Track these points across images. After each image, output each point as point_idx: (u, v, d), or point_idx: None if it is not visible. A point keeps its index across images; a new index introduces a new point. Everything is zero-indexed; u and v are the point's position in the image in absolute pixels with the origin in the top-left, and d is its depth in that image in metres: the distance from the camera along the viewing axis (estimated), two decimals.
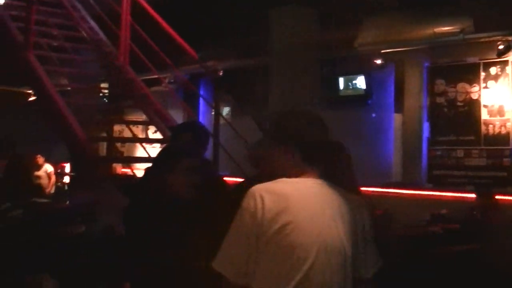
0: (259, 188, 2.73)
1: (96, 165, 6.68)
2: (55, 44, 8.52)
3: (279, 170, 2.85)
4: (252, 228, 2.67)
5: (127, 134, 11.81)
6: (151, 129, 11.22)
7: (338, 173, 3.83)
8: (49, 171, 13.56)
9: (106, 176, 6.63)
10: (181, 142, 4.78)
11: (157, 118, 7.69)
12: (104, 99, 10.32)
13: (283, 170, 2.84)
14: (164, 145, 5.04)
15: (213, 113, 11.30)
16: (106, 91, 9.11)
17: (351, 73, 10.99)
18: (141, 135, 9.23)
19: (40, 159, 13.59)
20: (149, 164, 7.59)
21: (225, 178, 4.94)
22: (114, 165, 10.17)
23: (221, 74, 10.23)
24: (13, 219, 5.36)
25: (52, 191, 13.21)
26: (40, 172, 13.38)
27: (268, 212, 2.65)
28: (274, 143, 2.88)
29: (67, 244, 6.43)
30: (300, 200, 2.70)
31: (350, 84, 10.98)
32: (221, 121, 7.74)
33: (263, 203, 2.66)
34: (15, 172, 6.50)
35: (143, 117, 10.94)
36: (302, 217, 2.66)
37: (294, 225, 2.64)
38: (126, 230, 4.19)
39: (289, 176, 2.79)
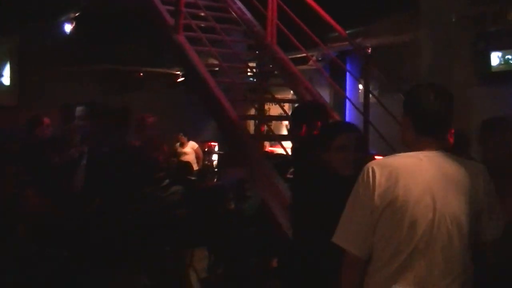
0: (372, 163, 2.84)
1: (247, 143, 6.72)
2: (202, 25, 8.65)
3: (404, 142, 2.93)
4: (366, 202, 2.77)
5: (273, 112, 11.90)
6: None
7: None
8: (194, 148, 13.90)
9: (257, 154, 6.66)
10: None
11: (307, 96, 7.66)
12: (252, 78, 10.44)
13: (406, 142, 2.92)
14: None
15: (360, 90, 11.18)
16: (254, 70, 9.18)
17: (505, 48, 10.49)
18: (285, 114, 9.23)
19: (183, 138, 13.95)
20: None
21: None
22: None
23: (369, 51, 10.07)
24: (174, 194, 5.52)
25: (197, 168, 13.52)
26: (185, 149, 13.74)
27: (379, 186, 2.73)
28: (403, 115, 2.94)
29: (222, 220, 6.59)
30: (410, 174, 2.73)
31: (504, 59, 10.49)
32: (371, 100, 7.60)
33: (374, 178, 2.75)
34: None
35: (289, 96, 11.01)
36: (411, 191, 2.70)
37: (404, 199, 2.69)
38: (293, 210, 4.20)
39: (410, 148, 2.85)
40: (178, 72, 16.15)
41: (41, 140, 7.24)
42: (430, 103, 2.83)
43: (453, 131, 2.86)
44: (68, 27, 14.14)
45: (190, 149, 13.94)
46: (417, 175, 2.73)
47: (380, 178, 2.75)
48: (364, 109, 7.16)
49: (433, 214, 2.67)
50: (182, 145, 14.00)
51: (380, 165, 2.81)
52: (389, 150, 6.51)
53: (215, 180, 12.55)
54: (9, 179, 5.62)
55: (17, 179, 5.78)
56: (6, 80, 16.04)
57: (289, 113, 9.47)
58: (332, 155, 3.73)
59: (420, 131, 2.84)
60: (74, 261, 4.47)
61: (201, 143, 15.93)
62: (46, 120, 7.87)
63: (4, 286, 4.11)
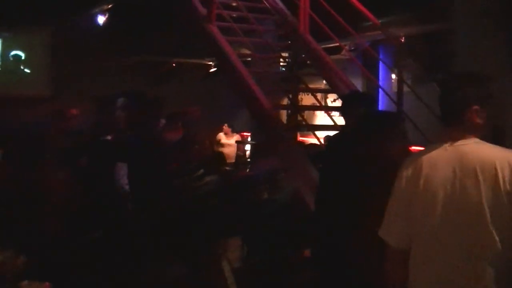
0: (408, 157, 3.00)
1: (281, 132, 6.72)
2: (233, 15, 8.65)
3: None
4: (398, 194, 2.92)
5: (305, 102, 11.88)
6: (330, 97, 11.22)
7: None
8: (235, 140, 13.99)
9: (291, 143, 6.66)
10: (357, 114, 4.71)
11: (341, 86, 7.63)
12: (284, 68, 10.43)
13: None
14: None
15: (393, 80, 11.11)
16: (287, 60, 9.17)
17: None
18: (318, 104, 9.22)
19: (227, 129, 14.02)
20: (329, 133, 7.60)
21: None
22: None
23: (403, 40, 10.00)
24: (208, 184, 5.55)
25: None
26: (230, 141, 13.82)
27: (406, 178, 2.89)
28: None
29: (255, 210, 6.60)
30: (432, 165, 2.81)
31: None
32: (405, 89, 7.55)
33: (404, 170, 2.91)
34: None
35: (321, 86, 10.98)
36: (431, 182, 2.78)
37: (425, 189, 2.79)
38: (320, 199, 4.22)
39: (441, 139, 2.87)
40: (211, 63, 16.21)
41: (67, 132, 7.30)
42: (446, 93, 2.90)
43: (475, 108, 2.81)
44: (101, 19, 14.24)
45: (233, 141, 14.02)
46: (438, 166, 2.78)
47: (407, 171, 2.89)
48: (398, 99, 7.13)
49: (450, 203, 2.71)
50: (226, 135, 14.08)
51: (411, 157, 2.95)
52: (423, 140, 6.49)
53: (248, 170, 12.57)
54: (45, 167, 5.72)
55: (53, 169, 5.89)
56: (42, 72, 16.21)
57: (322, 103, 9.50)
58: (395, 144, 3.76)
59: (443, 122, 2.91)
60: (110, 249, 4.53)
61: (235, 134, 16.00)
62: (74, 111, 7.93)
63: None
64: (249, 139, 14.47)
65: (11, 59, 16.05)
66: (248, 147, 14.23)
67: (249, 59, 9.69)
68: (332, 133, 6.89)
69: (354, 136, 4.24)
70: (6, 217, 5.32)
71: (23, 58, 16.13)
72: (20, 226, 5.27)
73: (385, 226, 2.97)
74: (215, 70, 16.19)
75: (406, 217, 2.85)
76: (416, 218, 2.80)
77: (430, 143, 3.04)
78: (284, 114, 11.55)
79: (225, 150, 13.40)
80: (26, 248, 4.63)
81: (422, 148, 3.07)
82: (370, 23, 7.88)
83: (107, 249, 4.63)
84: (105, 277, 4.14)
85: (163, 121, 7.39)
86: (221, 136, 14.15)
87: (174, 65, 16.63)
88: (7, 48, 16.05)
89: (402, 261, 2.88)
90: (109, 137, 7.00)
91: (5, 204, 5.29)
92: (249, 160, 13.47)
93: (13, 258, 4.25)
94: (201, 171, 5.66)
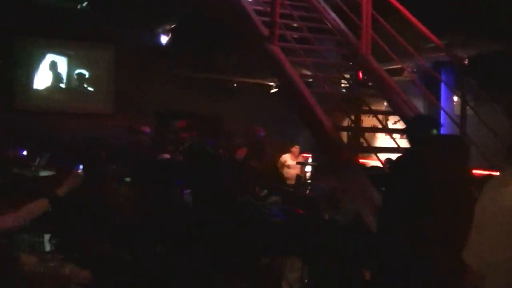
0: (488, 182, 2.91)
1: (343, 153, 6.72)
2: (295, 36, 8.69)
3: None
4: (483, 218, 2.85)
5: (366, 123, 11.84)
6: (391, 119, 11.15)
7: None
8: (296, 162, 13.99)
9: (353, 165, 6.65)
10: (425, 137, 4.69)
11: (403, 108, 7.59)
12: (344, 89, 10.42)
13: None
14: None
15: (454, 102, 10.99)
16: (347, 80, 9.16)
17: None
18: (379, 126, 9.17)
19: (296, 150, 14.03)
20: (390, 155, 7.56)
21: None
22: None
23: (466, 62, 9.89)
24: (273, 204, 5.58)
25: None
26: (293, 162, 13.84)
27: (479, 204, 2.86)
28: None
29: (316, 230, 6.59)
30: (492, 191, 2.82)
31: None
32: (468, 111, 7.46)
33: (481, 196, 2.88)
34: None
35: (382, 107, 10.93)
36: (487, 208, 2.80)
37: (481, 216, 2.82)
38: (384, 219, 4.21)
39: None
40: (272, 83, 16.26)
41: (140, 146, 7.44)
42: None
43: None
44: (164, 39, 14.47)
45: (295, 162, 14.01)
46: (496, 193, 2.78)
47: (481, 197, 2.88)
48: (461, 121, 7.04)
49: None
50: (292, 156, 14.09)
51: (492, 182, 2.89)
52: (484, 163, 6.40)
53: (308, 191, 12.53)
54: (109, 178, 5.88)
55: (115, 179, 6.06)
56: (104, 89, 16.54)
57: (384, 125, 9.46)
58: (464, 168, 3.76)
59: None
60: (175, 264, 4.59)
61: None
62: (145, 128, 8.11)
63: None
64: (309, 160, 14.45)
65: (75, 77, 16.42)
66: (308, 168, 14.21)
67: (310, 79, 9.72)
68: (393, 155, 6.86)
69: (423, 160, 4.22)
70: (74, 230, 5.46)
71: (86, 76, 16.48)
72: (86, 239, 5.40)
73: (469, 250, 2.92)
74: (276, 91, 16.25)
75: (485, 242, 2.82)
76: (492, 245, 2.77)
77: (494, 167, 3.03)
78: (344, 136, 11.55)
79: (291, 172, 13.44)
80: (90, 261, 4.74)
81: (485, 172, 3.07)
82: (433, 44, 7.83)
83: (171, 264, 4.69)
84: None
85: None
86: (287, 157, 14.18)
87: (235, 84, 16.75)
88: (72, 66, 16.42)
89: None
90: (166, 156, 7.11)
91: (74, 216, 5.43)
92: (309, 181, 13.43)
93: (78, 271, 4.35)
94: (265, 191, 5.71)
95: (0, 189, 5.23)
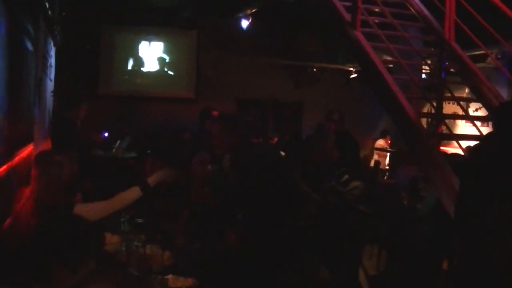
0: None
1: (426, 141, 6.62)
2: (376, 21, 8.59)
3: None
4: None
5: (446, 110, 11.65)
6: (472, 107, 10.95)
7: None
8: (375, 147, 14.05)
9: (434, 152, 6.55)
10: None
11: (487, 95, 7.44)
12: (426, 75, 10.26)
13: None
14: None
15: None
16: (430, 67, 9.03)
17: None
18: (460, 113, 9.00)
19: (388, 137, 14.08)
20: (470, 143, 7.42)
21: None
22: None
23: None
24: (355, 189, 5.56)
25: None
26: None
27: None
28: None
29: (397, 218, 6.56)
30: None
31: None
32: None
33: None
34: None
35: (463, 94, 10.73)
36: None
37: None
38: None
39: None
40: (351, 69, 16.18)
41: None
42: None
43: None
44: (245, 23, 14.53)
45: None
46: None
47: None
48: None
49: None
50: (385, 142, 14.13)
51: None
52: None
53: (385, 178, 12.47)
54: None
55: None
56: (186, 74, 16.75)
57: (466, 112, 9.28)
58: None
59: None
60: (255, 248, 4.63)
61: (373, 140, 15.94)
62: (215, 112, 8.20)
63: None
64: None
65: (157, 61, 16.66)
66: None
67: (391, 65, 9.61)
68: (473, 143, 6.73)
69: (506, 149, 4.13)
70: (157, 213, 5.57)
71: (167, 60, 16.70)
72: (166, 221, 5.51)
73: None
74: (355, 76, 16.17)
75: None
76: None
77: None
78: (424, 122, 11.40)
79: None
80: (172, 243, 4.84)
81: None
82: None
83: (250, 248, 4.73)
84: (249, 275, 4.24)
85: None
86: (382, 142, 14.25)
87: (315, 70, 16.73)
88: (153, 51, 16.67)
89: None
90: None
91: (155, 199, 5.55)
92: (387, 167, 13.36)
93: (160, 252, 4.44)
94: (346, 176, 5.68)
95: (85, 171, 5.36)
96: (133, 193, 4.65)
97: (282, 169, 5.26)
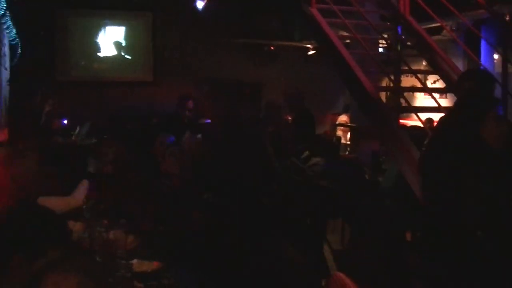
0: None
1: (385, 115, 6.68)
2: None
3: None
4: None
5: (404, 84, 11.73)
6: (429, 79, 11.04)
7: None
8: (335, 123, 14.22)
9: (394, 126, 6.60)
10: (463, 92, 4.64)
11: (443, 67, 7.51)
12: (384, 49, 10.32)
13: None
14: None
15: (495, 60, 10.83)
16: (386, 41, 9.08)
17: None
18: (419, 85, 9.07)
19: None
20: (429, 115, 7.47)
21: None
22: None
23: (508, 18, 9.71)
24: (315, 165, 5.59)
25: None
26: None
27: None
28: None
29: (359, 192, 6.60)
30: None
31: None
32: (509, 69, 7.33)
33: None
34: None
35: (420, 67, 10.81)
36: None
37: None
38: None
39: None
40: (309, 46, 16.20)
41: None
42: None
43: None
44: (200, 4, 14.41)
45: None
46: None
47: None
48: (503, 79, 6.92)
49: None
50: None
51: None
52: None
53: (347, 153, 12.56)
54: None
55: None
56: (142, 57, 16.60)
57: (424, 84, 9.36)
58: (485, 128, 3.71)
59: None
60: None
61: (333, 115, 16.02)
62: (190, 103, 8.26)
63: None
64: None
65: (113, 46, 16.47)
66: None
67: (348, 41, 9.65)
68: (433, 115, 6.79)
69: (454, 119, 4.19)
70: (122, 195, 5.54)
71: (123, 44, 16.52)
72: (131, 205, 5.48)
73: None
74: (313, 53, 16.20)
75: None
76: None
77: None
78: (383, 96, 11.48)
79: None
80: (136, 227, 4.81)
81: None
82: (473, 1, 7.70)
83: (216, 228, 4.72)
84: (215, 256, 4.22)
85: None
86: (344, 118, 14.38)
87: (272, 48, 16.70)
88: (108, 35, 16.48)
89: None
90: None
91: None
92: (349, 142, 13.44)
93: (124, 237, 4.41)
94: (307, 152, 5.71)
95: (46, 158, 5.31)
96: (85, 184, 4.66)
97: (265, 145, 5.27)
